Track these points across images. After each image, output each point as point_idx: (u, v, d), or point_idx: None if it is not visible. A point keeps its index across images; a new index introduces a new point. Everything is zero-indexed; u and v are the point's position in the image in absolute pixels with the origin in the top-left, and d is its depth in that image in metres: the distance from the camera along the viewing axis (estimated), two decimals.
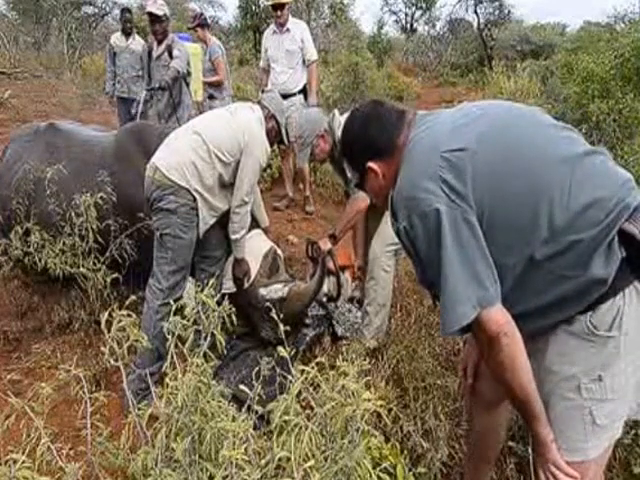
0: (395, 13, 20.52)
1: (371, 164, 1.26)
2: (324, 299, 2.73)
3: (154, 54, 4.56)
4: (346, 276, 2.83)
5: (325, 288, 2.67)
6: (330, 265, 2.56)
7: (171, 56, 4.44)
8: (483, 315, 1.05)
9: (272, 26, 4.72)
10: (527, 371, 1.09)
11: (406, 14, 20.39)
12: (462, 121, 1.17)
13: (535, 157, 1.10)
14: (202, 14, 5.29)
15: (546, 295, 1.09)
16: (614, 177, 1.09)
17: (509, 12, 16.66)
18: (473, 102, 1.31)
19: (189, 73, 4.64)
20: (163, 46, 4.48)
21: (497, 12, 16.66)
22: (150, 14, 4.39)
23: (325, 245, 2.51)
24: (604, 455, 1.19)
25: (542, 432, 1.13)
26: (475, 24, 17.03)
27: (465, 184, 1.07)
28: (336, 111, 2.65)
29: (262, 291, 2.50)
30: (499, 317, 1.06)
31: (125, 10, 5.94)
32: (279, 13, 4.53)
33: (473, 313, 1.04)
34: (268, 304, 2.06)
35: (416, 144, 1.19)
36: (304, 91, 4.74)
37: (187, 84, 4.61)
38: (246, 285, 2.52)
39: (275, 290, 2.50)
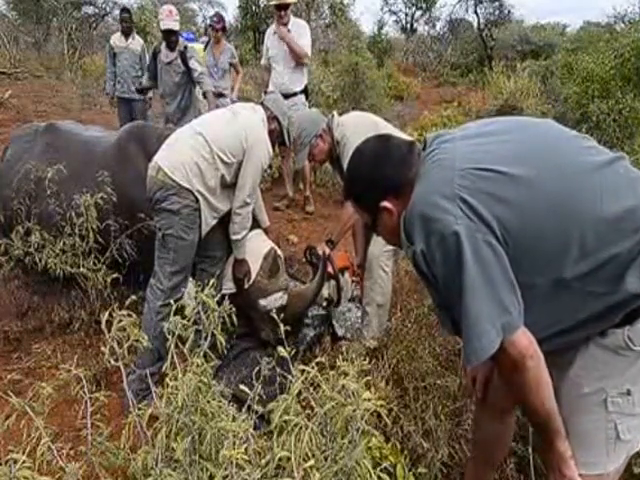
0: (395, 13, 20.47)
1: (385, 203, 1.18)
2: (324, 303, 2.74)
3: (163, 58, 4.55)
4: (346, 277, 2.84)
5: (325, 293, 2.68)
6: (329, 270, 2.56)
7: (185, 63, 4.45)
8: (507, 340, 1.00)
9: (274, 25, 4.72)
10: (550, 389, 1.05)
11: (406, 14, 20.34)
12: (480, 139, 1.13)
13: (563, 174, 1.05)
14: (224, 18, 5.36)
15: (577, 313, 1.05)
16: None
17: (509, 12, 16.71)
18: (485, 120, 1.26)
19: None
20: (176, 53, 4.48)
21: (497, 12, 16.69)
22: (168, 31, 4.40)
23: (323, 250, 2.52)
24: (622, 465, 1.17)
25: (561, 447, 1.10)
26: (475, 24, 17.06)
27: (486, 205, 1.01)
28: (335, 112, 2.66)
29: (262, 302, 2.51)
30: (523, 340, 1.01)
31: (123, 10, 5.95)
32: (283, 13, 4.52)
33: (498, 341, 1.00)
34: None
35: (431, 161, 1.13)
36: (305, 91, 4.74)
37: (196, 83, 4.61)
38: (246, 286, 2.52)
39: (275, 299, 2.51)
